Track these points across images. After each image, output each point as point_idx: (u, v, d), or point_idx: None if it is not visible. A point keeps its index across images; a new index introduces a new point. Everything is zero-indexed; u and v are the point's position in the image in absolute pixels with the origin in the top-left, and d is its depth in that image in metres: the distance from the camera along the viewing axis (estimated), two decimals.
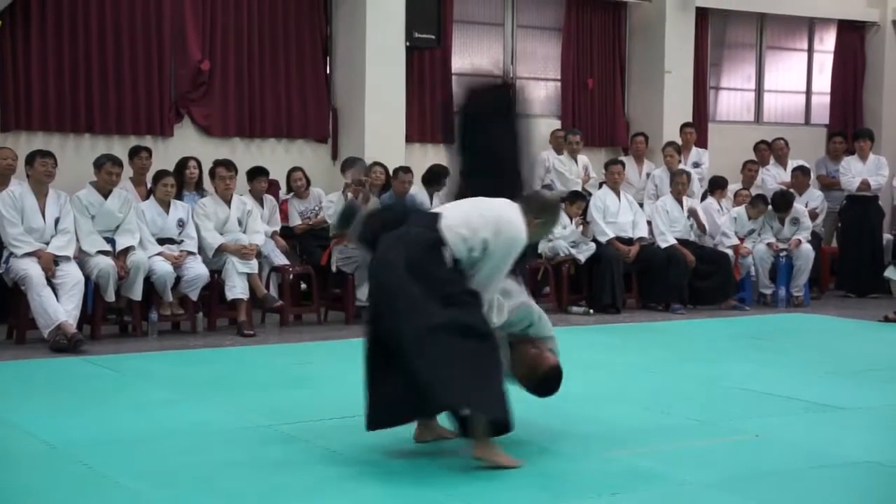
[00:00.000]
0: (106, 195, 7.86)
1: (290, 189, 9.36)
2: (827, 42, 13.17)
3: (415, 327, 4.04)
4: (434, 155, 10.71)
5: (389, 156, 9.60)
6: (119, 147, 9.00)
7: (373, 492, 3.96)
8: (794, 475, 4.18)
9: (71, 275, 7.38)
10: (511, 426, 4.18)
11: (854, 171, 10.87)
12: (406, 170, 9.25)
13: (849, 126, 12.62)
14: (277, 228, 8.97)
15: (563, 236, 9.57)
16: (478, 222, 4.30)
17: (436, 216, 4.40)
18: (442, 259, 4.23)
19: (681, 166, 10.72)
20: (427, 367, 4.02)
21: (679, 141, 11.20)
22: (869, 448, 4.60)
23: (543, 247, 9.70)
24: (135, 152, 8.67)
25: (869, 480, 4.18)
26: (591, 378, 5.95)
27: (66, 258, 7.47)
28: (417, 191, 9.49)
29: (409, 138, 10.31)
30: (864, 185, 10.78)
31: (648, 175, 11.22)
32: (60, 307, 7.20)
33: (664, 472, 4.19)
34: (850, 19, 12.97)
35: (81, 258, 7.61)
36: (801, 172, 10.82)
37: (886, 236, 11.19)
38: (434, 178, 9.60)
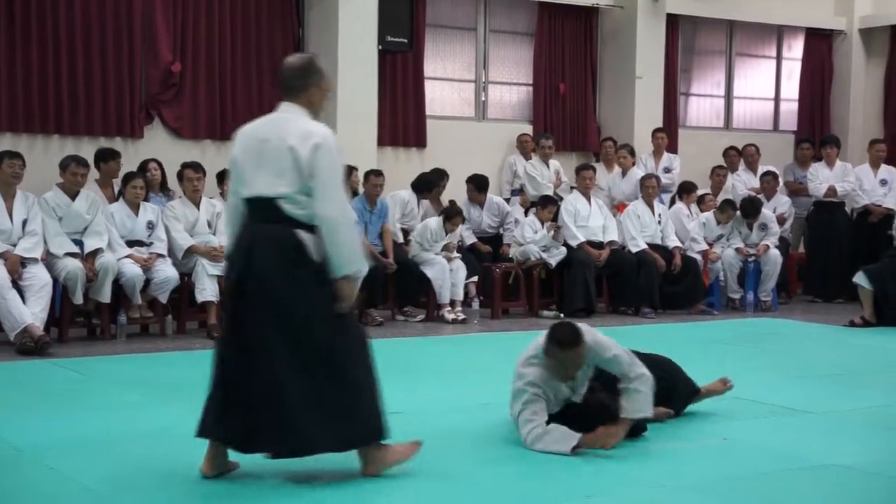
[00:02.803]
0: (73, 196, 7.79)
1: None
2: (795, 49, 13.31)
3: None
4: (406, 159, 10.73)
5: (361, 159, 9.60)
6: (88, 148, 8.93)
7: (337, 494, 3.95)
8: (762, 478, 4.22)
9: (38, 277, 7.31)
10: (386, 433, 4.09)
11: (821, 178, 10.99)
12: (377, 173, 9.25)
13: (816, 133, 12.76)
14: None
15: (535, 240, 9.60)
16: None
17: None
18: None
19: (651, 171, 10.81)
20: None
21: (651, 146, 11.30)
22: (836, 451, 4.64)
23: (514, 251, 9.74)
24: (109, 157, 8.53)
25: (836, 483, 4.22)
26: None
27: (34, 260, 7.40)
28: (390, 195, 9.53)
29: (381, 142, 10.31)
30: (831, 191, 10.90)
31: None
32: (27, 309, 7.12)
33: (636, 475, 4.21)
34: (818, 27, 13.12)
35: (49, 260, 7.54)
36: (771, 177, 10.92)
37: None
38: (424, 185, 9.68)
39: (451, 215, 9.25)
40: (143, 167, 8.69)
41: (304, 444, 3.98)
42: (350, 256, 4.02)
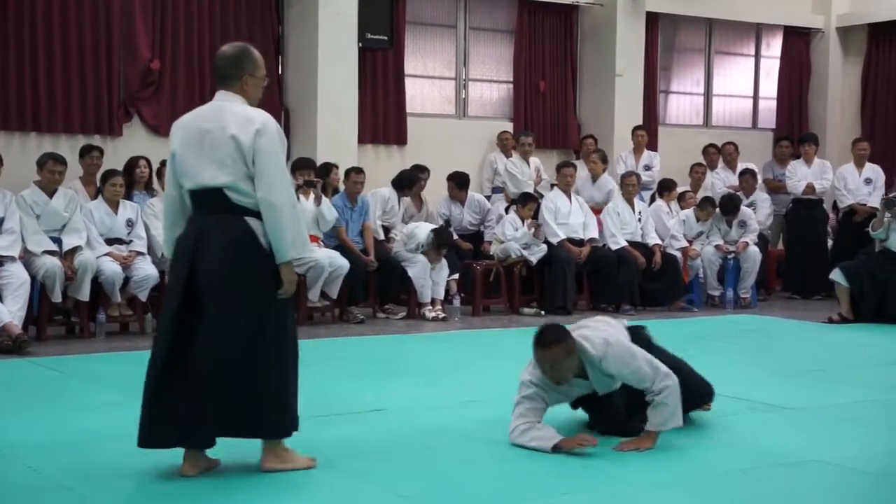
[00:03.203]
0: (51, 194, 7.75)
1: None
2: (773, 48, 13.39)
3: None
4: (387, 156, 10.72)
5: (342, 157, 9.59)
6: (66, 146, 8.88)
7: (322, 493, 3.94)
8: (741, 474, 4.24)
9: (16, 275, 7.26)
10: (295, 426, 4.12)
11: (799, 175, 11.06)
12: (358, 170, 9.24)
13: (795, 130, 12.85)
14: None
15: (515, 238, 9.61)
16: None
17: None
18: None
19: (632, 169, 10.84)
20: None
21: (631, 144, 11.34)
22: (814, 447, 4.68)
23: (496, 248, 9.75)
24: (86, 151, 8.56)
25: (814, 478, 4.25)
26: None
27: (11, 258, 7.35)
28: (370, 193, 9.51)
29: (362, 139, 10.29)
30: (809, 188, 10.96)
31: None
32: (5, 308, 7.08)
33: (614, 472, 4.23)
34: (796, 26, 13.20)
35: (27, 258, 7.49)
36: (750, 175, 10.97)
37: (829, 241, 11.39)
38: (404, 182, 9.68)
39: (441, 244, 9.12)
40: (134, 164, 8.63)
41: (236, 430, 4.02)
42: (294, 241, 4.00)
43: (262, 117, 4.03)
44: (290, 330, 4.13)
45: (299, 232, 4.04)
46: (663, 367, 4.54)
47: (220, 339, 3.96)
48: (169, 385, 3.99)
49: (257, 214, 3.99)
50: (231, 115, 4.03)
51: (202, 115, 4.12)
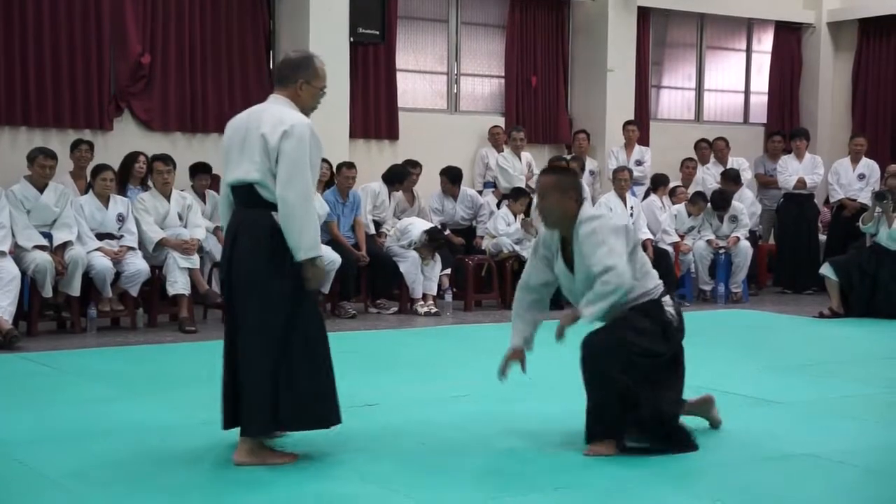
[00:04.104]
0: (41, 189, 7.72)
1: None
2: (765, 43, 13.40)
3: None
4: (378, 151, 10.71)
5: (333, 152, 9.52)
6: (56, 140, 8.85)
7: (313, 487, 3.94)
8: (732, 468, 4.25)
9: (6, 270, 7.24)
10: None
11: (791, 170, 11.08)
12: (350, 165, 9.24)
13: (786, 125, 12.88)
14: (220, 224, 8.87)
15: (507, 233, 9.61)
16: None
17: None
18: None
19: (623, 164, 10.85)
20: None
21: (623, 139, 11.35)
22: (805, 441, 4.69)
23: (487, 244, 9.75)
24: (75, 145, 8.56)
25: (805, 472, 4.26)
26: (533, 373, 5.98)
27: (2, 253, 7.32)
28: (361, 187, 9.51)
29: (353, 134, 10.28)
30: (801, 183, 10.99)
31: (592, 173, 11.34)
32: None
33: (605, 467, 4.23)
34: (787, 21, 13.21)
35: (17, 253, 7.47)
36: (732, 181, 10.74)
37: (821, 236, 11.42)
38: (395, 176, 9.67)
39: (434, 247, 9.13)
40: (133, 159, 8.60)
41: (275, 425, 4.18)
42: (305, 242, 4.08)
43: (295, 120, 4.16)
44: (314, 325, 4.21)
45: (309, 234, 4.10)
46: (623, 269, 4.24)
47: (246, 333, 4.13)
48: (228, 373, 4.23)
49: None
50: (268, 115, 4.19)
51: (248, 114, 4.31)
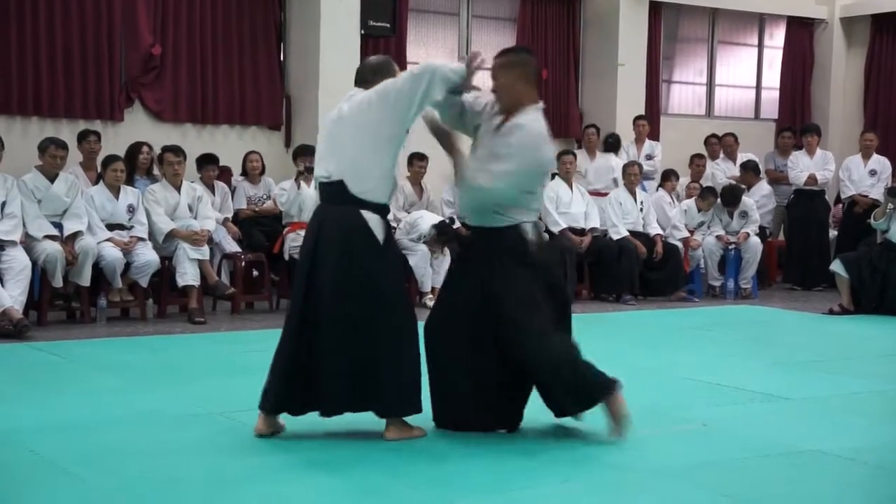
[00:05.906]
0: (52, 179, 7.74)
1: (244, 171, 9.32)
2: (777, 38, 13.35)
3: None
4: None
5: None
6: (67, 131, 8.86)
7: (320, 479, 3.95)
8: (741, 464, 4.25)
9: (17, 260, 7.26)
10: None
11: (801, 166, 11.04)
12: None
13: (797, 121, 12.82)
14: (230, 215, 8.90)
15: None
16: None
17: None
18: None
19: (633, 158, 10.83)
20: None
21: (633, 133, 11.32)
22: (813, 437, 4.68)
23: None
24: (83, 136, 8.56)
25: (813, 469, 4.26)
26: None
27: (13, 243, 7.35)
28: None
29: None
30: (811, 179, 10.95)
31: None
32: (6, 292, 7.08)
33: (613, 460, 4.23)
34: (800, 16, 13.15)
35: (28, 243, 7.49)
36: (752, 172, 10.88)
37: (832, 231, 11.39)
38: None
39: (443, 242, 9.11)
40: (137, 149, 8.62)
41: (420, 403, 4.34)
42: (443, 73, 4.46)
43: None
44: (404, 317, 4.32)
45: (442, 69, 4.41)
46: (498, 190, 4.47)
47: (334, 326, 4.19)
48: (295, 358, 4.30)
49: (373, 207, 4.25)
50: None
51: (338, 110, 4.50)
